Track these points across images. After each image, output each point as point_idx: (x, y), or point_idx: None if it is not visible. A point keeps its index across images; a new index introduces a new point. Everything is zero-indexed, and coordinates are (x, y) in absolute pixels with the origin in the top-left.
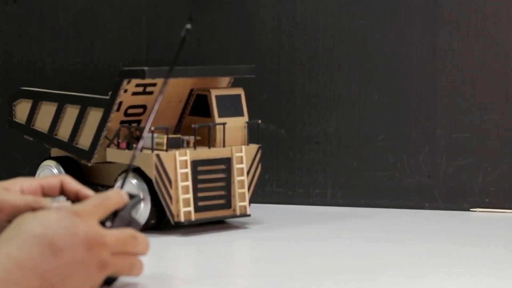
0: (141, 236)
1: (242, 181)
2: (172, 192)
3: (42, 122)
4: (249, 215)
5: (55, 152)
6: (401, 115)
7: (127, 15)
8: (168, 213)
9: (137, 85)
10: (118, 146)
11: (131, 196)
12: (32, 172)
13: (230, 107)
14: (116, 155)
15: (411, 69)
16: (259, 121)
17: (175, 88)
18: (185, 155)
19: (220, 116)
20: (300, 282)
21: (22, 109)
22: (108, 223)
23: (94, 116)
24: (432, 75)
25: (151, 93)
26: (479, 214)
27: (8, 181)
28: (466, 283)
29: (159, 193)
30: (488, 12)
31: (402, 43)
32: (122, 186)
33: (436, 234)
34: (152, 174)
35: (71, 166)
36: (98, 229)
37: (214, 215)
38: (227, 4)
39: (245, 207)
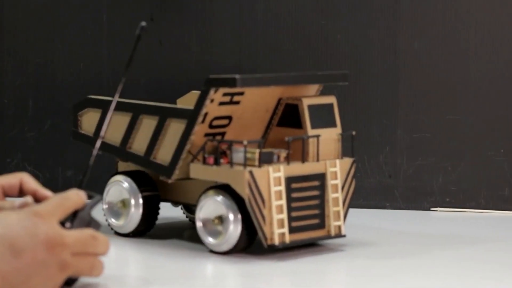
0: (101, 236)
1: (336, 199)
2: (265, 212)
3: (113, 134)
4: (344, 236)
5: (123, 166)
6: (361, 115)
7: (87, 15)
8: (261, 235)
9: (225, 94)
10: (203, 161)
11: (90, 196)
12: (98, 189)
13: (322, 117)
14: (202, 172)
15: (372, 69)
16: (354, 133)
17: (263, 97)
18: (279, 171)
19: (313, 127)
20: None
21: (89, 120)
22: (67, 224)
23: (175, 128)
24: (393, 75)
25: (238, 102)
26: (440, 214)
27: None
28: (428, 282)
29: (251, 213)
30: (448, 12)
31: (363, 43)
32: (80, 186)
33: (397, 234)
34: (244, 192)
35: (144, 182)
36: (58, 230)
37: (308, 236)
38: (188, 3)
39: (339, 226)
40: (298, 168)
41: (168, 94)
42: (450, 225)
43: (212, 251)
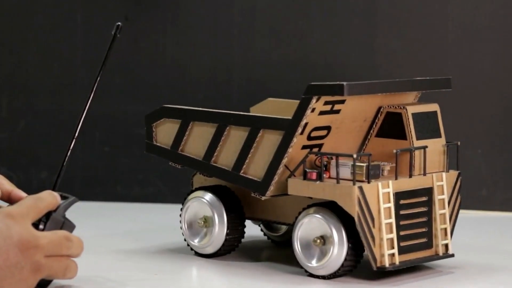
0: (74, 237)
1: (443, 215)
2: (374, 231)
3: (195, 147)
4: (452, 255)
5: (199, 181)
6: None
7: (61, 15)
8: (370, 256)
9: (326, 103)
10: (304, 176)
11: (65, 197)
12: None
13: (427, 126)
14: (302, 188)
15: (349, 69)
16: (458, 143)
17: (362, 106)
18: (388, 186)
19: (418, 138)
20: None
21: (166, 131)
22: (41, 225)
23: (269, 140)
24: (371, 75)
25: (338, 112)
26: None
27: None
28: None
29: (360, 233)
30: (425, 11)
31: (341, 42)
32: (54, 187)
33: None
34: (354, 210)
35: (227, 198)
36: (32, 231)
37: (416, 256)
38: (164, 3)
39: (447, 245)
40: (405, 183)
41: (143, 93)
42: None
43: (311, 275)
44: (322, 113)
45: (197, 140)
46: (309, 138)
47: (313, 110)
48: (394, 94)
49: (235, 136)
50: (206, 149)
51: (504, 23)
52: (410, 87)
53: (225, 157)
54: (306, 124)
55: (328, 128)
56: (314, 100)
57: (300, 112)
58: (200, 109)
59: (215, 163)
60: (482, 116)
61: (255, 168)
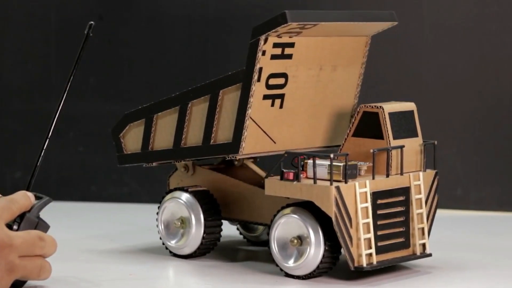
0: (48, 237)
1: (421, 215)
2: (352, 231)
3: (164, 139)
4: (430, 255)
5: (175, 182)
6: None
7: (35, 14)
8: (347, 256)
9: (275, 46)
10: (281, 176)
11: (39, 198)
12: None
13: (404, 126)
14: (280, 188)
15: None
16: (435, 142)
17: (312, 51)
18: (365, 186)
19: (395, 137)
20: None
21: (133, 137)
22: (15, 226)
23: (230, 99)
24: None
25: (290, 56)
26: None
27: None
28: None
29: (338, 233)
30: (400, 11)
31: None
32: (28, 187)
33: None
34: (331, 210)
35: (204, 198)
36: (6, 231)
37: (393, 256)
38: (138, 3)
39: (424, 245)
40: (382, 183)
41: (117, 93)
42: None
43: (288, 275)
44: (274, 57)
45: (164, 131)
46: (268, 86)
47: (264, 53)
48: (343, 37)
49: (198, 111)
50: (174, 135)
51: (480, 23)
52: (350, 18)
53: (193, 135)
54: (260, 69)
55: (284, 76)
56: (262, 42)
57: (251, 57)
58: (159, 100)
59: (186, 145)
60: (457, 115)
61: (223, 132)
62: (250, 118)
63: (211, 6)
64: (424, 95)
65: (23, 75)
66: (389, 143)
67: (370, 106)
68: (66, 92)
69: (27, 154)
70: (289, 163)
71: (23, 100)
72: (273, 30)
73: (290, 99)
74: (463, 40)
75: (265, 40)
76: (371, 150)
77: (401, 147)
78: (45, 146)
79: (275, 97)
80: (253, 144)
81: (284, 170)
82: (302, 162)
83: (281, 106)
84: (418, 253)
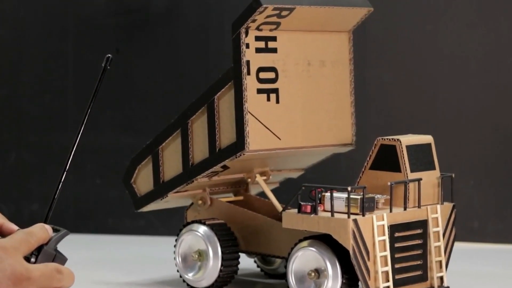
0: (66, 269)
1: (438, 248)
2: (369, 264)
3: (173, 167)
4: None
5: (193, 215)
6: None
7: (53, 46)
8: None
9: (257, 39)
10: (299, 209)
11: (57, 230)
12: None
13: (421, 159)
14: (297, 221)
15: None
16: (453, 175)
17: (294, 44)
18: (382, 219)
19: (412, 170)
20: None
21: (144, 178)
22: (32, 258)
23: (225, 100)
24: (363, 107)
25: (275, 50)
26: None
27: None
28: None
29: (356, 266)
30: (417, 43)
31: None
32: (46, 220)
33: None
34: (349, 243)
35: (221, 231)
36: (24, 264)
37: None
38: (154, 35)
39: (442, 278)
40: (400, 215)
41: (134, 126)
42: None
43: None
44: (259, 50)
45: (172, 159)
46: (260, 80)
47: (248, 46)
48: (324, 33)
49: (199, 125)
50: (182, 157)
51: (495, 54)
52: (325, 2)
53: (200, 150)
54: (248, 62)
55: (274, 70)
56: (243, 35)
57: (236, 51)
58: (160, 132)
59: (194, 163)
60: (474, 147)
61: (226, 135)
62: (249, 112)
63: (227, 39)
64: (441, 127)
65: (40, 107)
66: (407, 176)
67: (387, 139)
68: (83, 124)
69: (44, 187)
70: (306, 196)
71: (40, 133)
72: (251, 19)
73: (285, 94)
74: (479, 71)
75: (246, 33)
76: (389, 183)
77: (419, 180)
78: (63, 178)
79: (269, 91)
80: (257, 140)
81: (302, 203)
82: (319, 195)
83: (277, 101)
84: (435, 286)
